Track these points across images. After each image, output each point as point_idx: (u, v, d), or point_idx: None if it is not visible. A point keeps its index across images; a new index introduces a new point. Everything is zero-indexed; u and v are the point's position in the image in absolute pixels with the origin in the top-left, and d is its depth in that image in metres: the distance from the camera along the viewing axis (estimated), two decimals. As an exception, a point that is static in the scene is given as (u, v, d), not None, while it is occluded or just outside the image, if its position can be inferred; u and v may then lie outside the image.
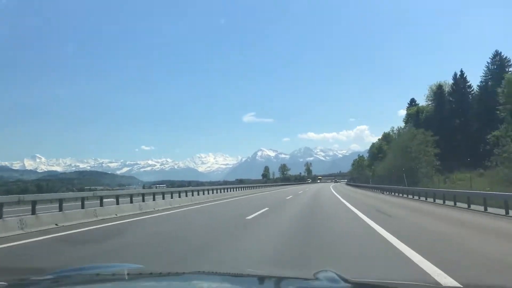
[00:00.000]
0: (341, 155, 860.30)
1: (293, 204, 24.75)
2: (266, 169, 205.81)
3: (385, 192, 41.14)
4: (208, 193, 33.16)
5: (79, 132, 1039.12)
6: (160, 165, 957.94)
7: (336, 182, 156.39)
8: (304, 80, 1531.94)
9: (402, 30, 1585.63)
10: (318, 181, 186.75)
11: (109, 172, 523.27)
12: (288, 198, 32.86)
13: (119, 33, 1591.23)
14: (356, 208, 19.24)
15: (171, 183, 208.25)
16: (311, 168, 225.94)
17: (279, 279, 2.48)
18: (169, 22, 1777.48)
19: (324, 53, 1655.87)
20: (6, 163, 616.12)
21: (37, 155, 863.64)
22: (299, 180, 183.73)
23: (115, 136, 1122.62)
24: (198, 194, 30.41)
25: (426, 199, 26.24)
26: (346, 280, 2.06)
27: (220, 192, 37.05)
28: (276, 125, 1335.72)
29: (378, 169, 68.86)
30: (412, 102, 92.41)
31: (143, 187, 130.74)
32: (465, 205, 19.22)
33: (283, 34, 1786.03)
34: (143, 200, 20.24)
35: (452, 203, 20.81)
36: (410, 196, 30.37)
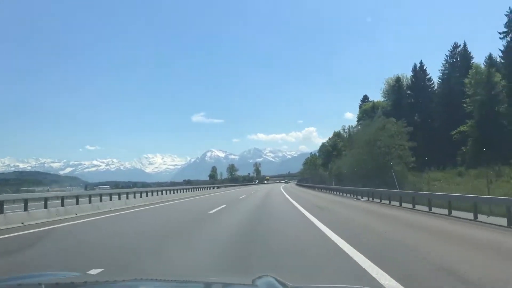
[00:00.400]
0: (290, 156, 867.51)
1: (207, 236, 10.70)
2: (214, 169, 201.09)
3: (360, 197, 29.49)
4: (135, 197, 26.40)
5: (19, 131, 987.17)
6: (106, 166, 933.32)
7: (286, 182, 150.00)
8: (254, 82, 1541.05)
9: (351, 30, 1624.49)
10: (265, 181, 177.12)
11: (52, 173, 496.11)
12: (211, 212, 18.53)
13: (62, 30, 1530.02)
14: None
15: (115, 184, 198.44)
16: (260, 168, 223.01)
17: (215, 285, 2.42)
18: (116, 20, 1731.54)
19: (274, 55, 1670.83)
20: None
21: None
22: (247, 180, 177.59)
23: (58, 135, 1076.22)
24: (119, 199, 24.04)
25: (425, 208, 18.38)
26: (285, 285, 2.00)
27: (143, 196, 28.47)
28: (226, 126, 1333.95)
29: (336, 167, 62.90)
30: (365, 98, 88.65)
31: (85, 188, 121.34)
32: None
33: (234, 35, 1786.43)
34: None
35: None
36: (407, 205, 20.14)
